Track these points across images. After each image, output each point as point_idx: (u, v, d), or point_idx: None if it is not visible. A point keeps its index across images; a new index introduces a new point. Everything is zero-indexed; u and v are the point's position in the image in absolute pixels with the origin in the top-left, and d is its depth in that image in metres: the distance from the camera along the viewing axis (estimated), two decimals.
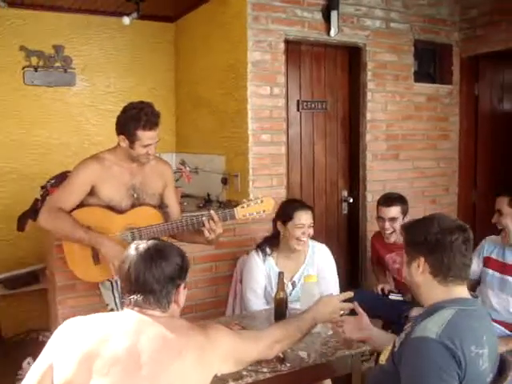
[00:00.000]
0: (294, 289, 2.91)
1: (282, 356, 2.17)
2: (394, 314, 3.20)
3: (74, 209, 2.59)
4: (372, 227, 4.08)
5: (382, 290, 3.52)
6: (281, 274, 2.64)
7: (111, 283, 2.63)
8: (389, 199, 3.27)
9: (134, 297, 1.57)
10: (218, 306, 3.45)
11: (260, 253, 2.95)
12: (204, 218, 2.56)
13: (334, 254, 3.12)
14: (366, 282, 4.08)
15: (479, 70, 4.50)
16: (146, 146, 2.52)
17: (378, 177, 4.08)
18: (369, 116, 3.99)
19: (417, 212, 4.14)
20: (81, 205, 2.61)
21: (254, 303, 2.91)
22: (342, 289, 3.98)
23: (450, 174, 4.49)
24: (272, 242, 2.95)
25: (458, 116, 4.48)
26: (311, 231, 2.88)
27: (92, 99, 4.39)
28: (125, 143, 2.53)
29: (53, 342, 1.55)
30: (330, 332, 2.47)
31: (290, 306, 2.63)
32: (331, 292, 2.67)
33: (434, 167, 4.38)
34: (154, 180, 2.72)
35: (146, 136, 2.49)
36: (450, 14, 4.35)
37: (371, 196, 4.06)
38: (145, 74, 4.57)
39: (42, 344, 1.59)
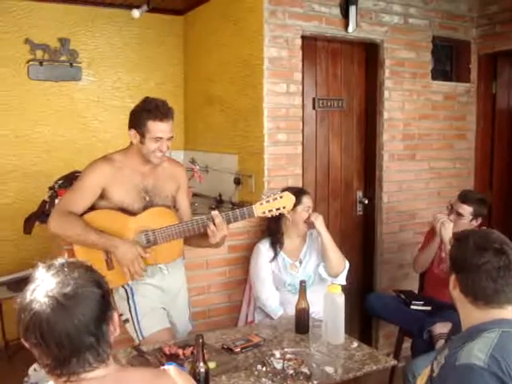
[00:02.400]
0: (301, 265, 3.07)
1: (308, 372, 2.07)
2: (414, 326, 3.10)
3: (84, 212, 2.48)
4: (388, 229, 3.97)
5: (402, 294, 3.41)
6: (302, 283, 2.54)
7: (126, 291, 2.51)
8: (466, 196, 3.29)
9: (64, 369, 1.17)
10: (231, 312, 3.34)
11: (267, 244, 3.08)
12: (206, 220, 2.47)
13: (347, 256, 3.12)
14: (381, 286, 3.97)
15: (497, 67, 4.38)
16: (157, 141, 2.41)
17: (395, 177, 3.96)
18: (386, 115, 3.86)
19: (431, 213, 4.03)
20: (92, 208, 2.50)
21: (261, 292, 3.02)
22: (355, 291, 3.90)
23: (466, 174, 4.37)
24: (278, 238, 3.07)
25: (474, 115, 4.36)
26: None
27: (99, 94, 4.26)
28: (136, 139, 2.44)
29: None
30: (355, 344, 2.38)
31: (312, 311, 2.54)
32: None
33: (449, 168, 4.27)
34: (167, 182, 2.62)
35: (156, 127, 2.40)
36: (469, 9, 4.22)
37: (387, 197, 3.94)
38: (153, 69, 4.44)
39: None
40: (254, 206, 2.49)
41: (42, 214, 2.99)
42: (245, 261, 3.30)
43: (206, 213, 3.33)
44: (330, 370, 2.11)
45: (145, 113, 2.40)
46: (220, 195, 3.75)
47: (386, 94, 3.84)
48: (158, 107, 2.41)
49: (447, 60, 4.33)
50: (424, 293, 3.54)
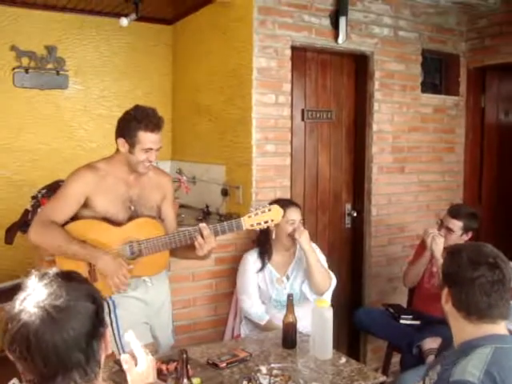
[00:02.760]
0: (288, 281, 2.99)
1: None
2: (403, 341, 3.05)
3: (67, 222, 2.41)
4: (376, 242, 3.93)
5: (391, 307, 3.36)
6: (290, 297, 2.49)
7: (107, 304, 2.44)
8: (456, 211, 3.27)
9: None
10: (217, 325, 3.27)
11: (255, 255, 3.01)
12: (193, 232, 2.41)
13: (336, 269, 3.10)
14: (370, 300, 3.92)
15: (486, 81, 4.38)
16: (146, 151, 2.37)
17: (384, 190, 3.93)
18: (375, 127, 3.84)
19: (420, 227, 4.02)
20: (75, 217, 2.44)
21: (245, 301, 2.96)
22: (343, 304, 3.84)
23: (455, 187, 4.35)
24: (266, 249, 2.99)
25: (463, 128, 4.36)
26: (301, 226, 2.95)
27: (85, 103, 4.19)
28: (124, 148, 2.38)
29: None
30: (343, 360, 2.32)
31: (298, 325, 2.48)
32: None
33: (439, 181, 4.25)
34: (153, 192, 2.56)
35: (147, 138, 2.35)
36: (458, 23, 4.23)
37: (376, 210, 3.91)
38: (140, 78, 4.39)
39: None
40: (242, 218, 2.45)
41: (24, 223, 2.90)
42: (232, 273, 3.23)
43: (193, 224, 3.27)
44: None
45: (135, 122, 2.34)
46: (207, 206, 3.70)
47: (376, 106, 3.82)
48: (149, 117, 2.36)
49: (436, 73, 4.33)
50: (413, 307, 3.49)
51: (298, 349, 2.40)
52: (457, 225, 3.20)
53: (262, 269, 2.97)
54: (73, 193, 2.39)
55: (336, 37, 3.57)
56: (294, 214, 2.92)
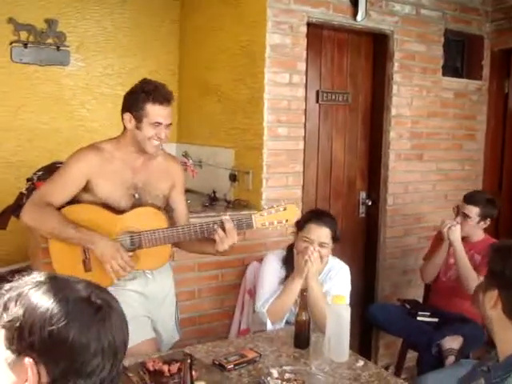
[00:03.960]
0: None
1: None
2: (421, 339, 2.87)
3: (63, 206, 2.22)
4: (392, 233, 3.74)
5: (407, 303, 3.19)
6: (304, 292, 2.29)
7: None
8: (472, 197, 3.19)
9: None
10: (222, 319, 3.09)
11: (280, 261, 2.63)
12: (215, 225, 2.22)
13: (348, 261, 2.76)
14: (383, 293, 3.74)
15: (511, 65, 4.14)
16: (155, 126, 2.17)
17: (401, 178, 3.72)
18: (394, 111, 3.61)
19: (437, 217, 3.81)
20: (72, 201, 2.25)
21: (260, 297, 2.56)
22: (355, 298, 3.66)
23: (474, 177, 4.14)
24: (291, 266, 2.54)
25: (485, 115, 4.13)
26: (324, 251, 2.47)
27: (87, 81, 3.97)
28: (131, 123, 2.19)
29: None
30: (361, 363, 2.13)
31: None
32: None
33: (458, 169, 4.03)
34: (160, 179, 2.36)
35: (155, 111, 2.16)
36: (483, 2, 3.98)
37: (392, 199, 3.70)
38: (145, 56, 4.15)
39: None
40: (253, 216, 2.26)
41: (18, 207, 2.71)
42: (239, 264, 3.05)
43: (199, 211, 3.10)
44: None
45: (144, 94, 2.17)
46: (214, 192, 3.49)
47: (395, 88, 3.59)
48: (158, 89, 2.19)
49: (458, 55, 4.09)
50: (430, 302, 3.31)
51: (311, 349, 2.21)
52: (473, 211, 3.07)
53: (286, 278, 2.54)
54: (73, 174, 2.21)
55: (355, 14, 3.34)
56: (313, 233, 2.46)
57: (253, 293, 3.02)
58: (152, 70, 4.16)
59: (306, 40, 3.20)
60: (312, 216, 2.54)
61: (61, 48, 3.83)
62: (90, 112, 4.00)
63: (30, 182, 2.75)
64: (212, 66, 3.73)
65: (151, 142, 2.21)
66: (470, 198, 3.14)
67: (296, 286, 2.42)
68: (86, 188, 2.22)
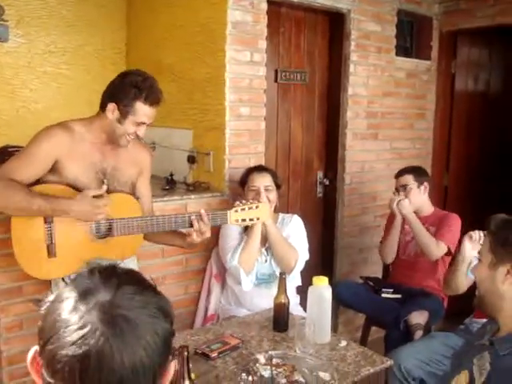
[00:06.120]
0: (268, 254, 2.75)
1: (303, 380, 1.79)
2: (387, 316, 2.91)
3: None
4: (349, 212, 3.77)
5: (370, 280, 3.23)
6: (282, 275, 2.26)
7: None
8: (399, 171, 3.30)
9: None
10: (188, 305, 3.01)
11: None
12: (193, 217, 2.15)
13: (307, 240, 2.86)
14: (341, 271, 3.77)
15: (457, 46, 4.25)
16: (138, 125, 2.08)
17: (357, 158, 3.75)
18: (350, 91, 3.62)
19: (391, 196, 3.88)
20: (37, 182, 2.09)
21: (227, 250, 2.73)
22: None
23: (424, 155, 4.24)
24: None
25: (434, 94, 4.22)
26: (271, 196, 2.73)
27: (29, 59, 3.69)
28: (113, 114, 2.06)
29: None
30: (344, 343, 2.13)
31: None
32: None
33: (409, 148, 4.12)
34: (129, 166, 2.26)
35: (144, 111, 2.06)
36: None
37: (349, 178, 3.73)
38: (91, 33, 3.92)
39: None
40: (229, 212, 2.21)
41: None
42: (204, 248, 2.97)
43: (159, 195, 2.98)
44: (325, 376, 1.84)
45: (136, 90, 2.04)
46: (171, 175, 3.37)
47: (352, 67, 3.59)
48: (152, 88, 2.07)
49: (408, 36, 4.14)
50: (390, 279, 3.37)
51: (293, 332, 2.18)
52: (408, 178, 3.17)
53: (246, 229, 2.70)
54: (41, 153, 2.05)
55: None
56: (257, 180, 2.74)
57: (220, 277, 2.97)
58: (98, 49, 3.97)
59: (266, 17, 3.12)
60: (252, 169, 2.85)
61: None
62: (33, 92, 3.74)
63: None
64: (164, 44, 3.57)
65: (128, 137, 2.11)
66: (399, 172, 3.25)
67: (257, 230, 2.64)
68: (53, 169, 2.08)
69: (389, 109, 3.90)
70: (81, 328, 0.73)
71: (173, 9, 3.45)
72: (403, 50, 4.07)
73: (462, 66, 4.29)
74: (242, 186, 2.85)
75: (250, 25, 3.05)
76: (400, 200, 3.09)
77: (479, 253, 1.52)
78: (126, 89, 2.04)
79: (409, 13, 3.97)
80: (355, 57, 3.60)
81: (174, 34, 3.45)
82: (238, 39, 3.01)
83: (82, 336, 0.72)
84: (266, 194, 2.69)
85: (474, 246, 2.39)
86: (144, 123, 2.11)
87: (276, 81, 3.44)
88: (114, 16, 4.01)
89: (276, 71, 3.42)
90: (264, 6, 3.10)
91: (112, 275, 0.81)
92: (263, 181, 2.74)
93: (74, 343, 0.72)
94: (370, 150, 3.82)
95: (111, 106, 2.06)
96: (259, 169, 2.85)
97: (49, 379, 0.74)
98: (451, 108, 4.30)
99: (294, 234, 2.80)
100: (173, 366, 0.83)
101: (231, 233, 2.77)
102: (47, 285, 2.26)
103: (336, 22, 3.60)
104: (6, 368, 2.45)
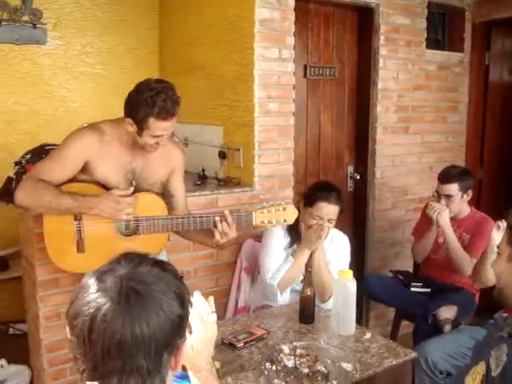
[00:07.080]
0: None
1: (325, 371, 1.83)
2: (417, 310, 2.91)
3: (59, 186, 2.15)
4: (380, 206, 3.77)
5: (400, 274, 3.22)
6: (308, 268, 2.30)
7: None
8: (446, 175, 3.08)
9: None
10: (219, 297, 3.07)
11: (282, 231, 2.67)
12: (217, 219, 2.19)
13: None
14: (373, 266, 3.78)
15: (491, 38, 4.18)
16: (156, 137, 2.09)
17: (388, 152, 3.74)
18: (380, 85, 3.61)
19: (423, 189, 3.87)
20: (69, 181, 2.18)
21: (265, 264, 2.63)
22: None
23: (457, 149, 4.19)
24: (294, 233, 2.65)
25: (467, 87, 4.17)
26: (331, 227, 2.61)
27: (66, 60, 3.84)
28: (132, 128, 2.08)
29: None
30: (368, 335, 2.16)
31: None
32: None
33: (441, 141, 4.08)
34: (159, 166, 2.29)
35: (157, 126, 2.05)
36: None
37: (380, 172, 3.73)
38: (125, 33, 4.04)
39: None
40: (254, 212, 2.24)
41: (6, 193, 2.63)
42: (234, 242, 3.02)
43: (191, 190, 3.06)
44: (347, 366, 1.88)
45: (146, 107, 2.00)
46: (203, 170, 3.45)
47: (381, 62, 3.59)
48: (164, 102, 2.01)
49: (440, 28, 4.10)
50: (421, 273, 3.36)
51: (317, 324, 2.23)
52: (453, 188, 3.02)
53: (291, 245, 2.65)
54: (72, 155, 2.12)
55: None
56: (323, 211, 2.52)
57: (249, 270, 3.03)
58: (132, 48, 4.08)
59: (294, 14, 3.16)
60: (322, 194, 2.55)
61: (37, 26, 3.69)
62: (70, 92, 3.89)
63: (18, 166, 2.66)
64: (196, 42, 3.64)
65: (151, 146, 2.15)
66: (445, 178, 3.07)
67: (304, 258, 2.55)
68: (84, 169, 2.16)
69: (419, 102, 3.87)
70: (94, 293, 0.89)
71: (202, 8, 3.52)
72: (435, 43, 4.03)
73: (496, 57, 4.22)
74: (303, 201, 2.63)
75: (278, 22, 3.09)
76: (441, 211, 2.97)
77: (498, 246, 1.52)
78: (138, 106, 2.02)
79: (440, 5, 3.93)
80: (384, 51, 3.60)
81: (204, 32, 3.52)
82: (266, 36, 3.06)
83: (93, 299, 0.88)
84: (327, 224, 2.54)
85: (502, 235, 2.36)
86: (162, 135, 2.10)
87: (305, 76, 3.47)
88: (148, 15, 4.12)
89: (305, 67, 3.45)
90: (291, 2, 3.13)
91: (137, 257, 0.97)
92: (329, 213, 2.54)
93: (85, 305, 0.88)
94: (400, 143, 3.81)
95: (128, 122, 2.08)
96: (329, 195, 2.54)
97: (70, 336, 0.90)
98: (485, 100, 4.24)
99: (337, 260, 2.67)
100: (183, 347, 0.93)
101: (276, 247, 2.65)
102: (81, 277, 2.37)
103: (365, 17, 3.60)
104: (45, 355, 2.58)
